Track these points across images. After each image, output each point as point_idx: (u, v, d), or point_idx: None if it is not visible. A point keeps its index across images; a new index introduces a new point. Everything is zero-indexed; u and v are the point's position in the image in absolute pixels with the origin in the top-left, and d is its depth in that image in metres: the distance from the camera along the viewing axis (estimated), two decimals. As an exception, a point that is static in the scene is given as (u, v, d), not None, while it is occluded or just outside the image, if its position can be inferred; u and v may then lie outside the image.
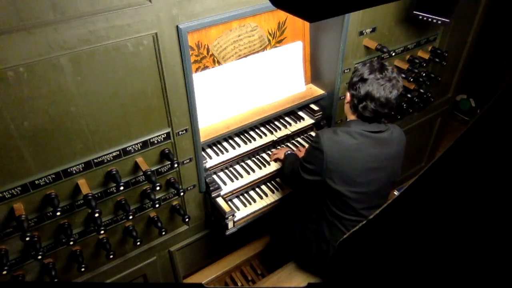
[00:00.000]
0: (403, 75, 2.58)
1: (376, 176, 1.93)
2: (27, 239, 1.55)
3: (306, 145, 2.54)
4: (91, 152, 1.72)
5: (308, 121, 2.58)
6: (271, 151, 2.51)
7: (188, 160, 2.07)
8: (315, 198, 2.15)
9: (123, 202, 1.93)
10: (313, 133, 2.66)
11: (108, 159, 1.77)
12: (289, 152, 2.32)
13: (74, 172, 1.71)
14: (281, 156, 2.35)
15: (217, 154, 2.31)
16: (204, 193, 2.26)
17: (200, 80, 2.13)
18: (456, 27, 2.81)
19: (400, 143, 1.99)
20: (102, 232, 1.74)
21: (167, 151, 1.94)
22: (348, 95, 1.95)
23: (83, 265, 1.86)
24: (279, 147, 2.54)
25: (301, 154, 2.30)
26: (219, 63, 2.22)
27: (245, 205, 2.30)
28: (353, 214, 2.00)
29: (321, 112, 2.58)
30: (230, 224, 2.17)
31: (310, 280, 2.33)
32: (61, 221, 1.80)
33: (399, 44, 2.59)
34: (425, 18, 2.34)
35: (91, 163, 1.74)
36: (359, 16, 2.24)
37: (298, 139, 2.62)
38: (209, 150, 2.33)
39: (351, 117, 1.98)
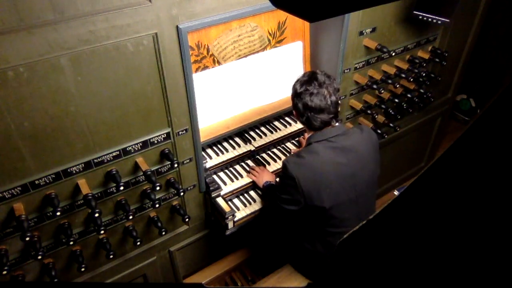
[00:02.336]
0: (403, 75, 2.58)
1: (353, 182, 1.92)
2: (27, 239, 1.55)
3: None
4: (91, 152, 1.72)
5: (308, 121, 2.57)
6: (273, 151, 2.51)
7: (188, 160, 2.07)
8: (302, 221, 2.14)
9: (123, 202, 1.92)
10: (306, 134, 2.65)
11: (108, 159, 1.77)
12: (266, 184, 2.23)
13: (74, 172, 1.71)
14: (259, 182, 2.27)
15: (217, 154, 2.31)
16: (204, 193, 2.26)
17: (200, 80, 2.13)
18: (456, 27, 2.80)
19: (368, 143, 1.97)
20: (102, 232, 1.74)
21: (167, 151, 1.94)
22: (294, 113, 1.97)
23: (83, 265, 1.86)
24: (280, 146, 2.54)
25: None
26: (219, 63, 2.22)
27: (245, 205, 2.30)
28: (339, 225, 1.98)
29: (321, 112, 2.58)
30: (230, 224, 2.17)
31: (310, 281, 2.33)
32: (61, 221, 1.80)
33: (399, 44, 2.59)
34: (425, 18, 2.34)
35: (91, 163, 1.74)
36: (359, 16, 2.24)
37: (298, 139, 2.62)
38: (209, 150, 2.33)
39: (309, 132, 2.01)
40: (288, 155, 2.48)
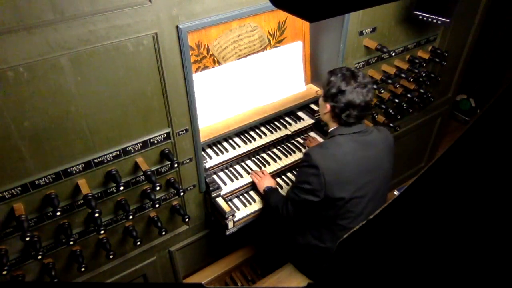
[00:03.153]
0: (403, 75, 2.58)
1: (370, 178, 1.96)
2: (27, 239, 1.55)
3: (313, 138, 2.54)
4: (91, 152, 1.72)
5: (308, 121, 2.58)
6: (273, 151, 2.51)
7: (188, 160, 2.07)
8: (315, 216, 2.14)
9: (123, 202, 1.93)
10: (313, 133, 2.65)
11: (108, 159, 1.77)
12: (267, 188, 2.24)
13: (74, 172, 1.71)
14: (260, 186, 2.27)
15: (217, 154, 2.31)
16: (204, 193, 2.26)
17: (200, 80, 2.13)
18: (456, 27, 2.80)
19: (385, 142, 2.03)
20: (102, 232, 1.74)
21: (167, 151, 1.94)
22: (327, 106, 1.98)
23: (83, 265, 1.86)
24: (280, 146, 2.54)
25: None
26: (219, 63, 2.22)
27: (245, 205, 2.30)
28: (354, 221, 2.00)
29: (321, 112, 2.59)
30: (230, 224, 2.17)
31: (310, 281, 2.33)
32: (61, 221, 1.80)
33: (399, 44, 2.59)
34: (425, 18, 2.34)
35: (91, 163, 1.74)
36: (359, 16, 2.24)
37: (298, 139, 2.62)
38: (209, 150, 2.33)
39: (332, 125, 2.03)
40: (288, 155, 2.48)
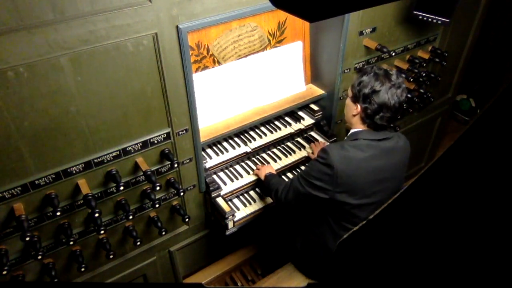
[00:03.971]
0: (403, 75, 2.58)
1: (384, 186, 1.92)
2: (27, 239, 1.55)
3: (317, 144, 2.54)
4: (91, 152, 1.72)
5: (308, 121, 2.58)
6: (273, 151, 2.51)
7: (188, 160, 2.07)
8: (317, 214, 2.12)
9: (123, 202, 1.92)
10: (313, 133, 2.66)
11: (108, 159, 1.77)
12: (268, 173, 2.23)
13: (74, 172, 1.71)
14: (261, 174, 2.26)
15: (217, 154, 2.31)
16: (204, 193, 2.26)
17: (200, 80, 2.13)
18: (456, 27, 2.81)
19: (405, 152, 1.99)
20: (102, 232, 1.74)
21: (167, 151, 1.94)
22: (358, 106, 1.88)
23: (83, 265, 1.86)
24: (280, 146, 2.54)
25: (315, 156, 2.27)
26: (219, 63, 2.22)
27: (245, 205, 2.30)
28: (360, 223, 1.98)
29: (321, 112, 2.58)
30: (230, 224, 2.17)
31: (310, 281, 2.33)
32: (61, 221, 1.80)
33: (399, 44, 2.59)
34: (425, 18, 2.34)
35: (91, 163, 1.74)
36: (359, 16, 2.24)
37: (298, 139, 2.62)
38: (209, 150, 2.33)
39: (360, 127, 1.94)
40: (288, 155, 2.48)
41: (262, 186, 2.36)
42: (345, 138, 2.02)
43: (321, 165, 1.87)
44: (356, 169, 1.83)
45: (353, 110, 1.92)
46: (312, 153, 2.46)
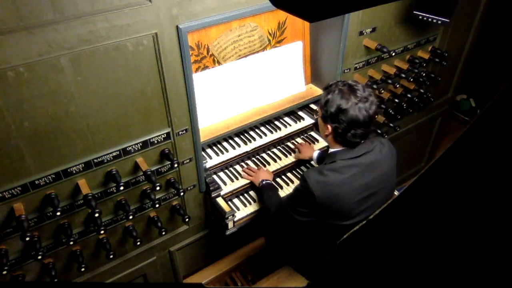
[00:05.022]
0: (403, 75, 2.58)
1: (373, 201, 1.86)
2: (27, 239, 1.55)
3: (306, 144, 2.54)
4: (91, 152, 1.72)
5: (308, 121, 2.58)
6: (273, 151, 2.51)
7: (188, 160, 2.07)
8: (311, 233, 2.10)
9: (123, 202, 1.93)
10: (313, 133, 2.66)
11: (108, 159, 1.77)
12: (264, 182, 2.18)
13: (74, 172, 1.71)
14: (256, 181, 2.24)
15: (217, 154, 2.31)
16: (204, 193, 2.26)
17: (200, 80, 2.13)
18: (456, 27, 2.80)
19: (391, 159, 1.92)
20: (102, 232, 1.74)
21: (167, 151, 1.94)
22: (328, 127, 1.83)
23: (83, 265, 1.86)
24: (280, 146, 2.54)
25: (302, 155, 2.26)
26: (219, 63, 2.22)
27: (245, 205, 2.30)
28: None
29: (321, 112, 2.58)
30: (230, 224, 2.17)
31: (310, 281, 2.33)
32: (61, 221, 1.80)
33: (399, 44, 2.59)
34: (425, 18, 2.34)
35: (91, 163, 1.74)
36: (359, 16, 2.24)
37: (298, 139, 2.62)
38: (209, 150, 2.33)
39: (336, 146, 1.88)
40: (288, 155, 2.48)
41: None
42: (325, 160, 1.95)
43: (302, 193, 1.83)
44: (338, 193, 1.77)
45: (325, 130, 1.88)
46: (300, 152, 2.43)
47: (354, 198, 1.79)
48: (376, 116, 1.81)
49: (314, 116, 2.57)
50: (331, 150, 1.92)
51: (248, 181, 2.31)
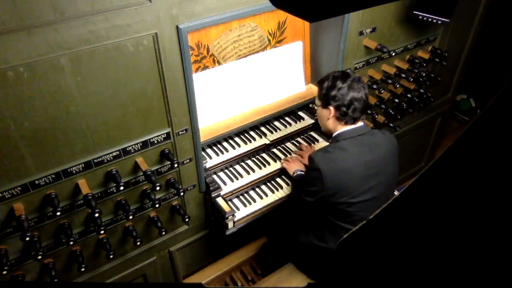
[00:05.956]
0: (403, 75, 2.58)
1: (377, 181, 1.96)
2: (27, 239, 1.55)
3: (308, 146, 2.54)
4: (91, 152, 1.72)
5: (308, 121, 2.58)
6: (273, 151, 2.51)
7: (188, 160, 2.07)
8: (318, 217, 2.16)
9: (123, 202, 1.93)
10: (313, 133, 2.66)
11: (108, 159, 1.77)
12: (298, 172, 2.29)
13: (74, 172, 1.71)
14: (290, 170, 2.33)
15: (217, 154, 2.31)
16: (204, 193, 2.26)
17: (200, 80, 2.13)
18: (456, 27, 2.80)
19: (391, 144, 2.03)
20: (102, 232, 1.74)
21: (167, 151, 1.94)
22: (330, 109, 1.98)
23: (83, 265, 1.86)
24: (280, 146, 2.54)
25: (304, 160, 2.31)
26: (219, 63, 2.22)
27: (245, 205, 2.30)
28: (358, 223, 1.99)
29: (321, 112, 2.58)
30: (230, 224, 2.17)
31: (310, 280, 2.33)
32: (61, 221, 1.80)
33: (399, 44, 2.59)
34: (425, 18, 2.34)
35: (91, 163, 1.74)
36: (359, 16, 2.24)
37: (298, 139, 2.62)
38: (209, 150, 2.33)
39: (337, 128, 2.02)
40: (288, 155, 2.48)
41: (263, 184, 2.41)
42: (329, 143, 2.12)
43: (310, 171, 1.98)
44: (343, 168, 1.90)
45: (326, 115, 2.03)
46: (302, 157, 2.45)
47: (358, 174, 1.91)
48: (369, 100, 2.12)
49: (314, 115, 2.57)
50: (334, 134, 2.05)
51: (248, 181, 2.31)
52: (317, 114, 2.12)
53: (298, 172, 2.27)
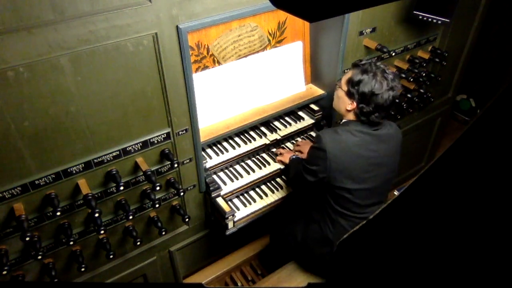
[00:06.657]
0: (403, 75, 2.58)
1: (378, 172, 1.98)
2: (27, 239, 1.55)
3: (303, 141, 2.54)
4: (91, 152, 1.72)
5: (308, 121, 2.58)
6: (273, 151, 2.51)
7: (188, 160, 2.07)
8: (317, 198, 2.17)
9: (123, 202, 1.93)
10: (313, 133, 2.66)
11: (108, 159, 1.77)
12: (294, 156, 2.32)
13: (74, 172, 1.71)
14: (286, 160, 2.36)
15: (217, 154, 2.31)
16: (204, 193, 2.26)
17: (200, 80, 2.13)
18: (456, 27, 2.80)
19: (397, 139, 2.05)
20: (102, 232, 1.74)
21: (167, 151, 1.94)
22: (354, 103, 1.92)
23: (83, 265, 1.86)
24: (283, 146, 2.54)
25: (304, 155, 2.31)
26: (219, 63, 2.22)
27: (245, 205, 2.30)
28: (356, 211, 2.04)
29: (321, 112, 2.58)
30: (230, 224, 2.17)
31: (310, 280, 2.33)
32: (61, 221, 1.80)
33: (399, 44, 2.59)
34: (425, 18, 2.34)
35: (91, 163, 1.74)
36: (359, 16, 2.24)
37: (298, 139, 2.62)
38: (209, 150, 2.33)
39: (350, 117, 2.00)
40: (288, 155, 2.48)
41: (263, 184, 2.42)
42: (339, 124, 2.09)
43: (316, 150, 1.96)
44: (348, 152, 1.90)
45: (347, 104, 1.96)
46: (302, 153, 2.45)
47: (362, 161, 1.92)
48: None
49: (315, 116, 2.57)
50: (344, 119, 2.04)
51: (248, 181, 2.31)
52: (336, 94, 2.05)
53: (294, 157, 2.30)
